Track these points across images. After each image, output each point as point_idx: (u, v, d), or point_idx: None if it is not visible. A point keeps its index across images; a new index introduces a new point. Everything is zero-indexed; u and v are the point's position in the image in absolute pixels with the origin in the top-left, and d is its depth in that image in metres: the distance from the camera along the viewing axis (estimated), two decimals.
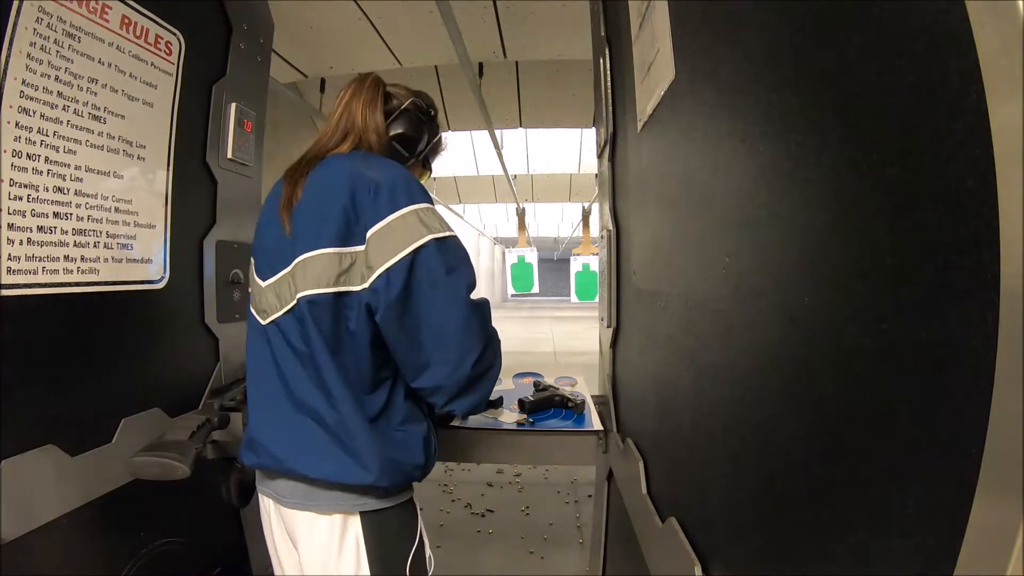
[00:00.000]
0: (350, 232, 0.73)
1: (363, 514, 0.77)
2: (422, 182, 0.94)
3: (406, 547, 0.81)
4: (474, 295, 0.80)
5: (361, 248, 0.73)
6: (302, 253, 0.74)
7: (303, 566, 0.79)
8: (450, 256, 0.75)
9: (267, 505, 0.84)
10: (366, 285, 0.73)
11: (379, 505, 0.78)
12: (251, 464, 0.81)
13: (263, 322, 0.80)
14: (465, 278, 0.77)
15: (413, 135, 0.91)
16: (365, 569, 0.77)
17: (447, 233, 0.76)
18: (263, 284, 0.81)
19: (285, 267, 0.77)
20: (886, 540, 0.27)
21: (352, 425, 0.74)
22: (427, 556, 0.85)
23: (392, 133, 0.89)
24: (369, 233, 0.73)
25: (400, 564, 0.80)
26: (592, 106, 1.34)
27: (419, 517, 0.86)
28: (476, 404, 0.82)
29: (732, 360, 0.47)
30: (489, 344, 0.80)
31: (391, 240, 0.72)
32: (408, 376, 0.78)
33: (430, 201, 0.78)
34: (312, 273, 0.73)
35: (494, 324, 0.85)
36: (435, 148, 0.99)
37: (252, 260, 0.87)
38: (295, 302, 0.75)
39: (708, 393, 0.54)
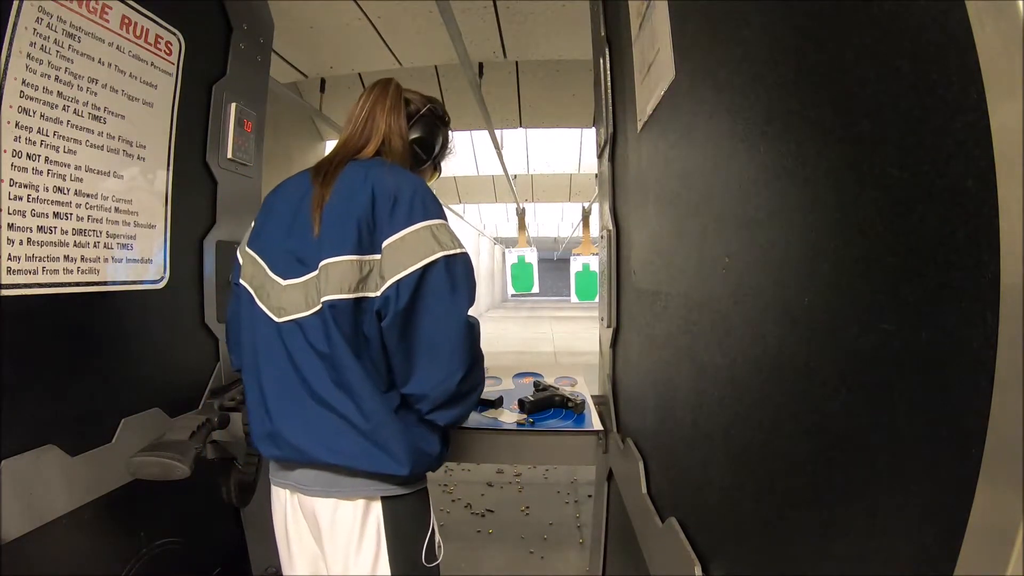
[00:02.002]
0: (369, 241, 0.77)
1: (384, 500, 0.81)
2: (432, 182, 1.01)
3: (421, 533, 0.86)
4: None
5: (378, 257, 0.77)
6: (326, 257, 0.78)
7: (325, 552, 0.83)
8: (457, 275, 0.80)
9: (282, 496, 0.87)
10: (378, 293, 0.77)
11: (399, 492, 0.82)
12: (273, 456, 0.83)
13: (278, 319, 0.81)
14: (466, 298, 0.81)
15: (431, 139, 0.98)
16: (384, 553, 0.81)
17: (457, 250, 0.80)
18: (283, 283, 0.82)
19: (311, 270, 0.79)
20: (886, 540, 0.27)
21: (377, 421, 0.78)
22: (437, 543, 0.89)
23: (412, 137, 0.95)
24: (385, 244, 0.77)
25: (416, 549, 0.84)
26: (592, 106, 1.34)
27: (431, 506, 0.90)
28: (458, 418, 0.86)
29: (732, 360, 0.47)
30: (476, 364, 0.85)
31: (404, 253, 0.76)
32: (398, 380, 0.82)
33: (444, 217, 0.82)
34: (335, 278, 0.77)
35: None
36: (445, 150, 1.06)
37: (255, 253, 0.86)
38: (320, 306, 0.77)
39: (708, 393, 0.54)
